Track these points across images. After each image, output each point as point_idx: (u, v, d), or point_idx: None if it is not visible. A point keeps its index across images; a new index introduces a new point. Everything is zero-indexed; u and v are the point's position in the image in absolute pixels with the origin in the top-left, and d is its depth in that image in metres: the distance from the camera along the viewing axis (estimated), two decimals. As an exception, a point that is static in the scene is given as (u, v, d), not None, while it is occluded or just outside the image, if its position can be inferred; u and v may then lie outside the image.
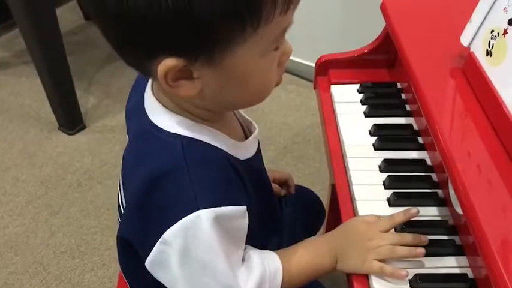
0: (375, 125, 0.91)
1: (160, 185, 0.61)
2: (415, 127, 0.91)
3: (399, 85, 1.01)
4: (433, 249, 0.71)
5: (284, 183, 0.97)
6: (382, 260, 0.69)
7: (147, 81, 0.67)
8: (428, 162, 0.84)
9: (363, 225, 0.73)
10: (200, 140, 0.63)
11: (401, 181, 0.81)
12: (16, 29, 2.14)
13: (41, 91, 1.82)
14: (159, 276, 0.64)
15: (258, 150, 0.74)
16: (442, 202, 0.78)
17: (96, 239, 1.51)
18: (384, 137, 0.89)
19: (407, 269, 0.69)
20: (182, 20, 0.51)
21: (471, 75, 0.80)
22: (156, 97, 0.65)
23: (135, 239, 0.66)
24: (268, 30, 0.55)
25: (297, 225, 0.93)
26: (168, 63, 0.54)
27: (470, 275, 0.69)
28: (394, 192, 0.79)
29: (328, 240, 0.74)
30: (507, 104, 0.70)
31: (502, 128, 0.71)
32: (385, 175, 0.82)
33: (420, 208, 0.73)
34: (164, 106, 0.64)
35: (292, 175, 0.99)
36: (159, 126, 0.63)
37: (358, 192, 0.80)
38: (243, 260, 0.67)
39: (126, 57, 0.59)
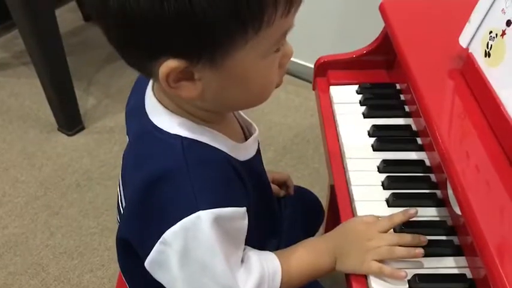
0: (373, 125, 0.91)
1: (160, 186, 0.61)
2: (414, 128, 0.91)
3: (398, 86, 1.01)
4: (432, 250, 0.71)
5: (283, 184, 0.98)
6: (381, 261, 0.70)
7: (148, 81, 0.67)
8: (427, 163, 0.84)
9: (361, 225, 0.73)
10: (200, 141, 0.63)
11: (400, 182, 0.81)
12: (15, 29, 2.14)
13: (40, 92, 1.82)
14: (159, 276, 0.64)
15: (258, 152, 0.74)
16: (441, 203, 0.78)
17: (95, 239, 1.51)
18: (382, 138, 0.89)
19: (406, 269, 0.69)
20: (184, 22, 0.51)
21: (469, 76, 0.80)
22: (156, 98, 0.65)
23: (135, 239, 0.66)
24: (270, 32, 0.55)
25: (296, 226, 0.93)
26: (169, 64, 0.54)
27: (469, 275, 0.69)
28: (393, 193, 0.79)
29: (327, 241, 0.75)
30: (505, 105, 0.70)
31: (500, 129, 0.71)
32: (384, 176, 0.82)
33: (419, 208, 0.73)
34: (165, 107, 0.64)
35: (291, 176, 0.99)
36: (159, 127, 0.63)
37: (357, 192, 0.81)
38: (242, 261, 0.67)
39: (128, 58, 0.59)
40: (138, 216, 0.64)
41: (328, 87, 1.02)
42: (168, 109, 0.64)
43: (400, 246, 0.70)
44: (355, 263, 0.71)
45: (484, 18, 0.78)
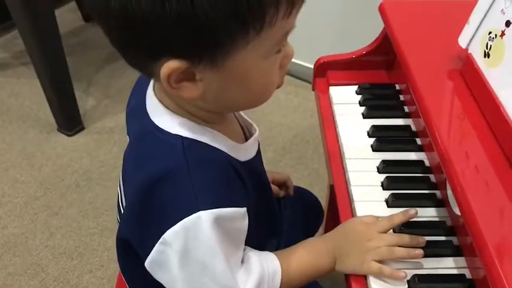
0: (373, 126, 0.91)
1: (161, 186, 0.61)
2: (413, 128, 0.91)
3: (397, 86, 1.01)
4: (431, 250, 0.71)
5: (283, 184, 0.98)
6: (380, 261, 0.70)
7: (148, 81, 0.68)
8: (427, 163, 0.85)
9: (361, 226, 0.73)
10: (201, 141, 0.63)
11: (400, 182, 0.81)
12: (15, 30, 2.14)
13: (40, 92, 1.82)
14: (159, 276, 0.64)
15: (258, 152, 0.75)
16: (440, 203, 0.78)
17: (95, 240, 1.51)
18: (382, 138, 0.89)
19: (406, 270, 0.69)
20: (185, 24, 0.51)
21: (469, 77, 0.81)
22: (158, 98, 0.65)
23: (135, 239, 0.66)
24: (271, 33, 0.55)
25: (296, 226, 0.93)
26: (171, 65, 0.54)
27: (468, 275, 0.69)
28: (392, 193, 0.79)
29: (327, 241, 0.75)
30: (504, 105, 0.70)
31: (499, 129, 0.71)
32: (383, 176, 0.82)
33: (418, 209, 0.73)
34: (166, 107, 0.64)
35: (290, 176, 0.99)
36: (160, 127, 0.63)
37: (356, 193, 0.81)
38: (242, 261, 0.67)
39: (129, 59, 0.59)
40: (138, 216, 0.64)
41: (328, 88, 1.02)
42: (169, 109, 0.64)
43: (399, 246, 0.70)
44: (355, 264, 0.71)
45: (483, 19, 0.78)
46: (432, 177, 0.82)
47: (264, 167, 0.79)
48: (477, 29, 0.80)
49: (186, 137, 0.62)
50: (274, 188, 0.93)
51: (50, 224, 1.56)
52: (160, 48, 0.54)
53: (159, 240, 0.60)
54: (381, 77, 1.05)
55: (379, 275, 0.69)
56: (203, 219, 0.58)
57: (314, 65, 1.07)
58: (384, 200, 0.79)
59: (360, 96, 0.99)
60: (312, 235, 1.03)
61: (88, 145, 1.82)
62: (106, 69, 2.16)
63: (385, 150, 0.87)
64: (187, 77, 0.57)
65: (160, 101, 0.65)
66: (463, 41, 0.83)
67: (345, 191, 0.83)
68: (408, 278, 0.69)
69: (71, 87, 1.79)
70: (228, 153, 0.65)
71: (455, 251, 0.72)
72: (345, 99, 0.99)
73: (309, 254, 0.73)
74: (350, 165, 0.85)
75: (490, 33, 0.76)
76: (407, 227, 0.73)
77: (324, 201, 1.14)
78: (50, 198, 1.64)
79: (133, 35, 0.54)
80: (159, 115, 0.64)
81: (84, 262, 1.45)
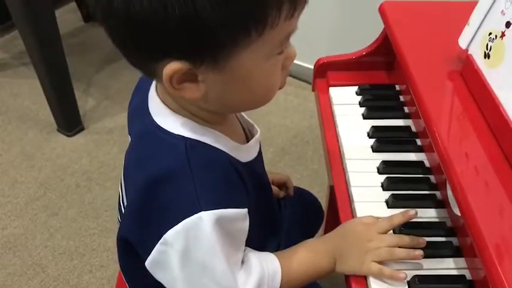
0: (373, 127, 0.91)
1: (162, 186, 0.61)
2: (413, 129, 0.91)
3: (397, 87, 1.01)
4: (431, 251, 0.71)
5: (283, 185, 0.98)
6: (380, 262, 0.70)
7: (151, 81, 0.68)
8: (427, 164, 0.85)
9: (361, 226, 0.73)
10: (203, 142, 0.63)
11: (400, 183, 0.81)
12: (15, 30, 2.14)
13: (40, 93, 1.82)
14: (159, 276, 0.64)
15: (259, 153, 0.75)
16: (440, 204, 0.79)
17: (95, 240, 1.51)
18: (382, 139, 0.89)
19: (406, 271, 0.69)
20: (188, 26, 0.51)
21: (469, 78, 0.81)
22: (160, 98, 0.65)
23: (136, 239, 0.66)
24: (273, 35, 0.55)
25: (296, 227, 0.93)
26: (173, 66, 0.55)
27: (468, 276, 0.69)
28: (392, 194, 0.79)
29: (327, 242, 0.75)
30: (504, 106, 0.71)
31: (499, 130, 0.72)
32: (383, 177, 0.82)
33: (418, 210, 0.73)
34: (168, 107, 0.64)
35: (290, 177, 0.99)
36: (163, 127, 0.63)
37: (356, 193, 0.81)
38: (242, 262, 0.67)
39: (131, 59, 0.59)
40: (139, 215, 0.64)
41: (328, 88, 1.02)
42: (172, 109, 0.64)
43: (399, 247, 0.70)
44: (355, 264, 0.71)
45: (483, 20, 0.79)
46: (432, 178, 0.82)
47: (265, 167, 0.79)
48: (477, 30, 0.80)
49: (189, 138, 0.62)
50: (274, 188, 0.93)
51: (49, 224, 1.56)
52: (163, 49, 0.54)
53: (160, 240, 0.60)
54: (381, 78, 1.05)
55: (379, 276, 0.69)
56: (204, 219, 0.58)
57: (314, 66, 1.06)
58: (384, 200, 0.79)
59: (360, 96, 0.99)
60: (312, 236, 1.03)
61: (88, 145, 1.82)
62: (106, 69, 2.16)
63: (385, 151, 0.87)
64: (189, 78, 0.57)
65: (163, 101, 0.65)
66: (463, 41, 0.83)
67: (345, 191, 0.83)
68: (408, 278, 0.69)
69: (71, 87, 1.79)
70: (230, 153, 0.65)
71: (455, 252, 0.72)
72: (345, 100, 0.99)
73: (309, 255, 0.73)
74: (350, 166, 0.85)
75: (490, 34, 0.76)
76: (408, 227, 0.73)
77: (323, 202, 1.14)
78: (49, 198, 1.64)
79: (136, 36, 0.54)
80: (161, 115, 0.64)
81: (84, 262, 1.45)
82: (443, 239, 0.74)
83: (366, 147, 0.89)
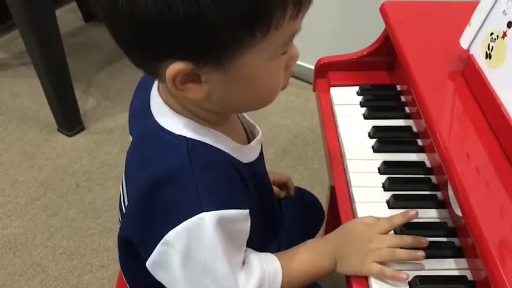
0: (374, 127, 0.91)
1: (164, 186, 0.61)
2: (415, 129, 0.91)
3: (398, 87, 1.01)
4: (433, 251, 0.71)
5: (283, 185, 0.98)
6: (381, 262, 0.70)
7: (152, 81, 0.67)
8: (428, 164, 0.84)
9: (362, 227, 0.73)
10: (205, 143, 0.63)
11: (401, 183, 0.81)
12: (15, 30, 2.14)
13: (40, 92, 1.82)
14: (160, 276, 0.64)
15: (261, 154, 0.75)
16: (441, 204, 0.78)
17: (95, 240, 1.51)
18: (383, 139, 0.89)
19: (407, 271, 0.69)
20: (192, 26, 0.51)
21: (470, 78, 0.80)
22: (162, 98, 0.65)
23: (137, 239, 0.66)
24: (277, 35, 0.55)
25: (297, 227, 0.93)
26: (176, 66, 0.54)
27: (470, 277, 0.69)
28: (393, 194, 0.79)
29: (328, 242, 0.74)
30: (506, 106, 0.70)
31: (500, 130, 0.71)
32: (384, 177, 0.82)
33: (419, 210, 0.73)
34: (171, 108, 0.64)
35: (291, 177, 0.99)
36: (165, 127, 0.63)
37: (357, 194, 0.81)
38: (243, 263, 0.67)
39: (134, 59, 0.59)
40: (140, 216, 0.64)
41: (329, 89, 1.02)
42: (174, 110, 0.64)
43: (400, 248, 0.70)
44: (356, 265, 0.71)
45: (485, 20, 0.78)
46: (433, 178, 0.82)
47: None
48: (479, 30, 0.80)
49: (191, 138, 0.62)
50: (274, 188, 0.93)
51: (50, 224, 1.56)
52: (166, 49, 0.54)
53: (161, 241, 0.60)
54: (382, 78, 1.05)
55: (380, 277, 0.69)
56: (206, 220, 0.58)
57: (315, 66, 1.06)
58: (385, 201, 0.79)
59: (360, 97, 0.99)
60: (313, 236, 1.03)
61: (88, 145, 1.82)
62: (106, 69, 2.16)
63: (386, 151, 0.87)
64: (192, 79, 0.56)
65: (165, 102, 0.64)
66: (464, 42, 0.83)
67: (346, 192, 0.82)
68: (409, 279, 0.68)
69: (71, 87, 1.79)
70: (231, 154, 0.65)
71: (456, 252, 0.72)
72: (346, 100, 0.99)
73: (309, 255, 0.73)
74: (351, 166, 0.85)
75: (491, 34, 0.76)
76: (409, 228, 0.73)
77: (324, 202, 1.14)
78: (50, 198, 1.64)
79: (139, 36, 0.54)
80: (164, 116, 0.64)
81: (84, 262, 1.45)
82: (444, 239, 0.74)
83: (367, 147, 0.88)
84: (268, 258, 0.71)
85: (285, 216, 0.93)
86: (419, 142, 0.88)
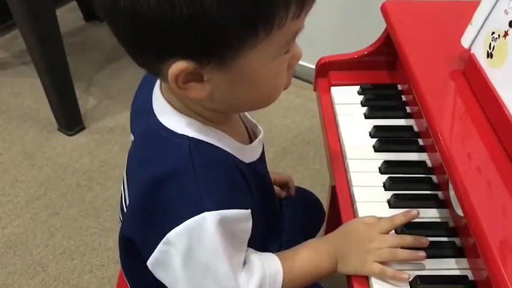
0: (375, 126, 0.91)
1: (166, 185, 0.61)
2: (416, 129, 0.91)
3: (399, 87, 1.01)
4: (434, 251, 0.71)
5: (284, 185, 0.98)
6: (382, 262, 0.69)
7: (154, 81, 0.67)
8: (429, 164, 0.84)
9: (363, 226, 0.73)
10: (207, 142, 0.63)
11: (402, 183, 0.81)
12: (16, 29, 2.14)
13: (40, 92, 1.82)
14: (161, 276, 0.64)
15: (262, 154, 0.74)
16: (442, 204, 0.78)
17: (95, 240, 1.51)
18: (384, 139, 0.89)
19: (408, 271, 0.69)
20: (195, 25, 0.51)
21: (472, 77, 0.80)
22: (165, 98, 0.65)
23: (138, 238, 0.66)
24: (280, 34, 0.55)
25: (297, 227, 0.93)
26: (178, 66, 0.54)
27: (471, 277, 0.69)
28: (394, 194, 0.79)
29: (329, 242, 0.74)
30: (507, 105, 0.70)
31: (502, 130, 0.71)
32: (385, 177, 0.82)
33: (420, 210, 0.73)
34: (173, 107, 0.64)
35: (291, 176, 0.99)
36: (167, 126, 0.63)
37: (358, 193, 0.80)
38: (244, 262, 0.66)
39: (136, 58, 0.59)
40: (142, 215, 0.64)
41: (330, 88, 1.02)
42: (177, 109, 0.64)
43: (401, 248, 0.70)
44: (357, 265, 0.71)
45: (486, 19, 0.78)
46: (434, 178, 0.82)
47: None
48: (480, 29, 0.79)
49: (193, 137, 0.62)
50: (275, 188, 0.92)
51: (50, 223, 1.56)
52: (169, 49, 0.54)
53: (163, 240, 0.60)
54: (383, 78, 1.05)
55: (381, 276, 0.69)
56: (208, 220, 0.58)
57: (316, 65, 1.06)
58: (386, 200, 0.79)
59: (361, 96, 0.99)
60: (313, 236, 1.03)
61: (88, 145, 1.82)
62: (107, 69, 2.16)
63: (387, 151, 0.87)
64: (194, 78, 0.56)
65: (168, 101, 0.64)
66: (465, 41, 0.82)
67: (347, 191, 0.82)
68: (410, 279, 0.68)
69: (72, 86, 1.79)
70: (233, 154, 0.65)
71: (457, 252, 0.72)
72: (347, 100, 0.99)
73: (310, 255, 0.73)
74: (352, 166, 0.85)
75: (493, 33, 0.76)
76: (409, 227, 0.73)
77: (325, 202, 1.14)
78: (50, 197, 1.64)
79: (142, 36, 0.54)
80: (166, 115, 0.64)
81: (84, 262, 1.45)
82: (445, 239, 0.74)
83: (368, 147, 0.88)
84: (269, 258, 0.70)
85: (286, 216, 0.93)
86: (420, 142, 0.88)
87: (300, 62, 0.64)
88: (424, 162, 0.85)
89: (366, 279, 0.71)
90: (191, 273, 0.61)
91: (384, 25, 0.99)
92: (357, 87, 1.01)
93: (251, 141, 0.73)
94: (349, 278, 0.72)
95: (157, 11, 0.50)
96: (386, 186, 0.81)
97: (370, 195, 0.80)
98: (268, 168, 0.80)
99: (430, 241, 0.71)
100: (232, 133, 0.67)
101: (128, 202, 0.72)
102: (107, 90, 2.06)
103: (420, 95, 0.80)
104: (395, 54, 0.96)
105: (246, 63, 0.56)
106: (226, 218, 0.59)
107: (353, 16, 1.81)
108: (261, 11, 0.52)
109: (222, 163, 0.63)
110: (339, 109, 0.97)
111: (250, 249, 0.69)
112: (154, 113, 0.65)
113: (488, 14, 0.78)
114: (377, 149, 0.88)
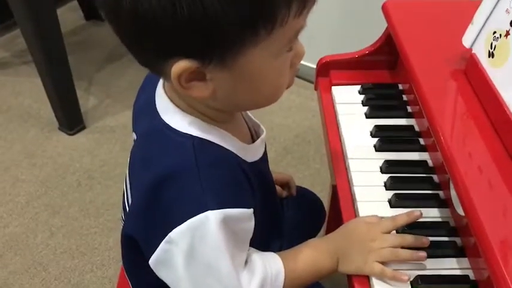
0: (376, 126, 0.91)
1: (169, 184, 0.61)
2: (417, 128, 0.91)
3: (400, 86, 1.01)
4: (435, 251, 0.71)
5: (285, 184, 0.98)
6: (383, 262, 0.69)
7: (156, 80, 0.67)
8: (430, 164, 0.84)
9: (364, 226, 0.73)
10: (211, 141, 0.63)
11: (403, 182, 0.81)
12: (17, 29, 2.14)
13: (41, 91, 1.82)
14: (163, 275, 0.64)
15: (265, 153, 0.74)
16: (443, 203, 0.78)
17: (96, 239, 1.51)
18: (385, 138, 0.89)
19: (408, 271, 0.69)
20: (196, 24, 0.51)
21: (473, 77, 0.80)
22: (168, 97, 0.65)
23: (140, 237, 0.66)
24: (282, 32, 0.55)
25: (298, 226, 0.93)
26: (181, 65, 0.54)
27: (472, 276, 0.69)
28: (395, 194, 0.79)
29: (329, 242, 0.74)
30: (509, 105, 0.70)
31: (503, 129, 0.71)
32: (386, 176, 0.82)
33: (421, 209, 0.73)
34: (176, 106, 0.64)
35: (292, 176, 0.99)
36: (171, 125, 0.63)
37: (359, 193, 0.80)
38: (245, 262, 0.66)
39: (139, 57, 0.59)
40: (144, 213, 0.64)
41: (330, 88, 1.02)
42: (180, 108, 0.64)
43: (402, 247, 0.70)
44: (357, 264, 0.71)
45: (487, 19, 0.78)
46: (435, 177, 0.82)
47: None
48: (481, 29, 0.79)
49: (196, 136, 0.62)
50: (277, 188, 0.92)
51: (51, 223, 1.56)
52: (171, 48, 0.54)
53: (165, 239, 0.60)
54: (384, 77, 1.04)
55: (381, 276, 0.69)
56: (211, 219, 0.58)
57: (317, 65, 1.06)
58: (387, 200, 0.79)
59: (362, 96, 0.99)
60: (314, 235, 1.03)
61: (89, 144, 1.82)
62: (107, 68, 2.16)
63: (388, 150, 0.87)
64: (197, 77, 0.56)
65: (171, 100, 0.64)
66: (467, 40, 0.82)
67: (348, 191, 0.82)
68: (411, 279, 0.68)
69: (72, 86, 1.79)
70: (236, 153, 0.65)
71: (458, 252, 0.72)
72: (348, 99, 0.99)
73: (311, 254, 0.73)
74: (353, 165, 0.85)
75: (494, 33, 0.76)
76: (410, 227, 0.73)
77: (326, 202, 1.14)
78: (51, 197, 1.64)
79: (144, 35, 0.54)
80: (169, 113, 0.64)
81: (85, 261, 1.45)
82: (446, 238, 0.74)
83: (369, 146, 0.88)
84: (270, 258, 0.70)
85: (287, 216, 0.93)
86: (421, 141, 0.88)
87: (301, 62, 0.64)
88: (425, 161, 0.85)
89: (366, 279, 0.71)
90: (193, 272, 0.61)
91: (384, 25, 0.99)
92: (358, 87, 1.01)
93: (253, 141, 0.72)
94: (349, 277, 0.72)
95: (158, 10, 0.50)
96: (387, 186, 0.81)
97: (371, 194, 0.80)
98: (270, 168, 0.80)
99: (431, 241, 0.71)
100: (235, 132, 0.67)
101: (130, 201, 0.72)
102: (108, 90, 2.06)
103: (421, 94, 0.80)
104: (396, 53, 0.96)
105: (248, 62, 0.56)
106: (230, 217, 0.59)
107: (354, 15, 1.81)
108: (262, 9, 0.52)
109: (226, 162, 0.63)
110: (339, 108, 0.97)
111: (252, 249, 0.69)
112: (157, 112, 0.65)
113: (490, 14, 0.78)
114: (378, 148, 0.88)
